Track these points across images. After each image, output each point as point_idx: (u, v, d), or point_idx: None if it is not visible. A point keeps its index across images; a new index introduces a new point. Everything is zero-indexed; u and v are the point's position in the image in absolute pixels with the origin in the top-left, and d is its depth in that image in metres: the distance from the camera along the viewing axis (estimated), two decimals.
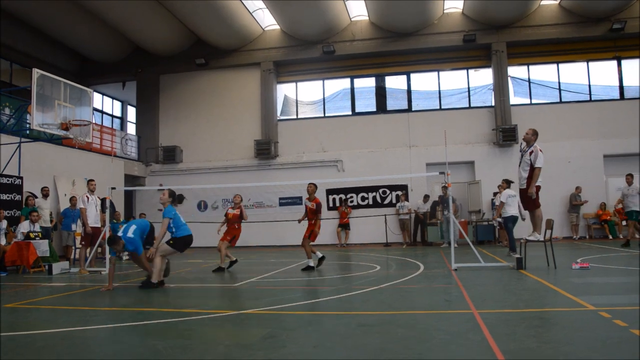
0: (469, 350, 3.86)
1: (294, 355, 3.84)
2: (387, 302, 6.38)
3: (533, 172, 9.07)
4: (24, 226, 12.04)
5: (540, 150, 9.17)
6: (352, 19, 20.91)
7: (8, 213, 12.66)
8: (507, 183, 12.78)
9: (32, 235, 11.80)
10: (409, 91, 21.23)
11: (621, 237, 17.62)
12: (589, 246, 13.95)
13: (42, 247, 11.72)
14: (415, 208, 18.68)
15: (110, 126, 23.80)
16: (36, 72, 12.07)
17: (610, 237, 17.80)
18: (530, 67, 20.50)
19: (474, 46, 20.17)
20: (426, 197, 18.68)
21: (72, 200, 14.38)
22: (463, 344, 4.04)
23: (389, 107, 21.37)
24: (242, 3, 19.53)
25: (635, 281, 7.21)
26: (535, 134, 9.41)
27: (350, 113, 21.58)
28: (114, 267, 8.67)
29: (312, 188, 10.54)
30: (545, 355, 3.65)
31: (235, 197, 11.48)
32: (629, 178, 13.71)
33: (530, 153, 9.19)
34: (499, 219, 13.19)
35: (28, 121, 13.43)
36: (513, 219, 12.06)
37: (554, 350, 3.74)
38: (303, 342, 4.30)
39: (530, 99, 20.46)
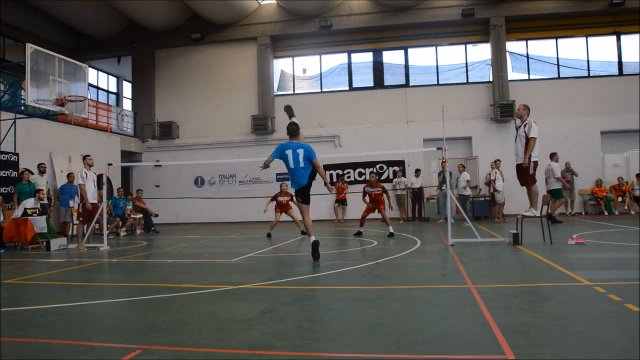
0: (465, 324, 3.91)
1: (291, 330, 3.87)
2: (383, 277, 6.42)
3: (528, 142, 9.08)
4: (29, 203, 12.01)
5: (534, 122, 9.17)
6: None
7: (4, 190, 12.62)
8: (463, 167, 16.43)
9: (29, 211, 11.79)
10: (406, 66, 21.04)
11: (617, 213, 17.72)
12: (584, 222, 14.02)
13: (40, 223, 11.73)
14: (408, 184, 18.68)
15: (106, 102, 23.55)
16: (30, 47, 11.86)
17: (606, 213, 17.89)
18: (529, 42, 20.28)
19: (472, 21, 19.95)
20: (417, 172, 18.68)
21: (70, 176, 14.36)
22: (459, 318, 4.08)
23: (386, 83, 21.19)
24: None
25: (629, 256, 7.28)
26: (526, 108, 9.47)
27: (347, 88, 21.41)
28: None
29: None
30: (540, 328, 3.69)
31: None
32: (556, 157, 13.66)
33: (525, 126, 9.19)
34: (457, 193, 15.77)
35: (23, 97, 13.28)
36: (465, 197, 15.96)
37: (549, 324, 3.78)
38: (300, 317, 4.34)
39: (529, 74, 20.32)
